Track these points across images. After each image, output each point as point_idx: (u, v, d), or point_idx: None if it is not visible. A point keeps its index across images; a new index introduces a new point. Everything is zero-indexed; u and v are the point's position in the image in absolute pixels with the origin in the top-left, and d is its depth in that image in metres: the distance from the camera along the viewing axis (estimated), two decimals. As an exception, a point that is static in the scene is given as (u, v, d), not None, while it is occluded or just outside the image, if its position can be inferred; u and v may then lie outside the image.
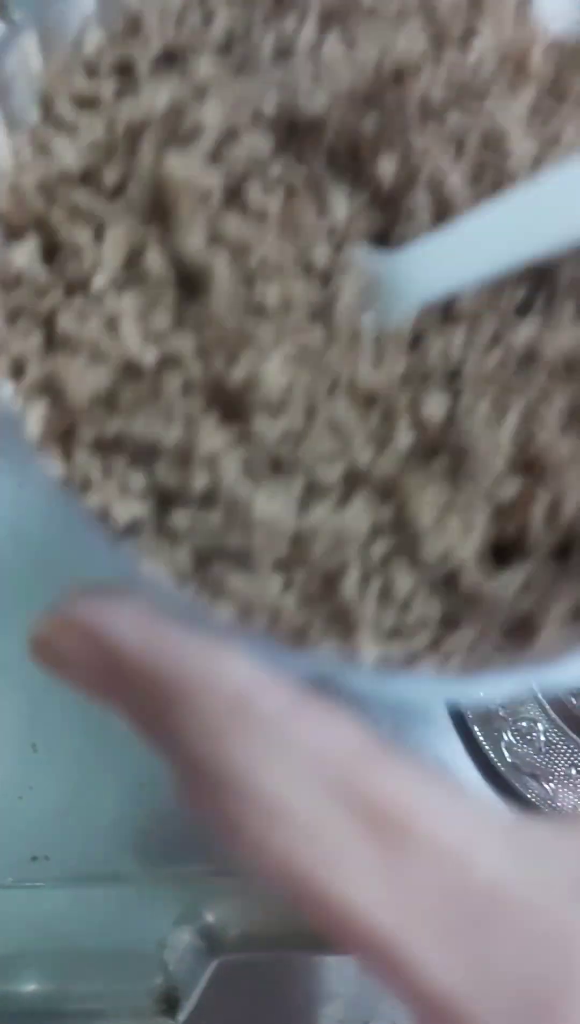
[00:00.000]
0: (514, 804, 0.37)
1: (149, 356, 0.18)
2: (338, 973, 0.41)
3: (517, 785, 0.36)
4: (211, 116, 0.19)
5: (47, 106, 0.20)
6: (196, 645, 0.16)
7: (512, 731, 0.41)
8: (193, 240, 0.18)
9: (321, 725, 0.16)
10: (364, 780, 0.16)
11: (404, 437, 0.20)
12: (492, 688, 0.18)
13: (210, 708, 0.16)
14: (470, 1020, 0.14)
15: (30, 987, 0.38)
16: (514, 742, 0.38)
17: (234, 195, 0.20)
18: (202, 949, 0.38)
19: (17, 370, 0.18)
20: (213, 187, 0.19)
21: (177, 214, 0.18)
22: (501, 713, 0.41)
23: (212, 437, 0.18)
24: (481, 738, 0.40)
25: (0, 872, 0.39)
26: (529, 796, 0.36)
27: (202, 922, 0.39)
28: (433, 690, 0.17)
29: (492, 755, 0.38)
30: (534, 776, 0.37)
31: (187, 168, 0.18)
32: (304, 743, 0.16)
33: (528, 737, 0.37)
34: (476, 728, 0.40)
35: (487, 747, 0.39)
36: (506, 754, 0.38)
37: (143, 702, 0.17)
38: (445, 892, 0.15)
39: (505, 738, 0.40)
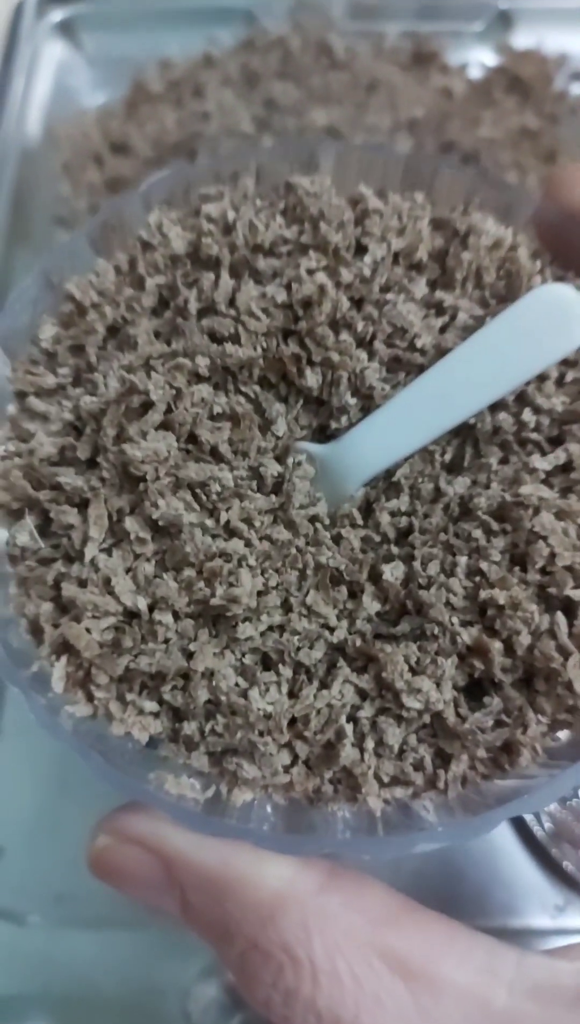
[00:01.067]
0: (549, 874, 0.37)
1: (141, 604, 0.22)
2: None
3: (554, 852, 0.36)
4: (156, 393, 0.23)
5: (20, 399, 0.24)
6: (239, 848, 0.20)
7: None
8: (162, 507, 0.22)
9: (350, 897, 0.19)
10: (392, 939, 0.19)
11: (370, 606, 0.23)
12: (487, 824, 0.20)
13: (257, 898, 0.19)
14: None
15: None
16: (554, 808, 0.37)
17: (191, 438, 0.24)
18: (227, 1004, 0.36)
19: (35, 631, 0.22)
20: (171, 447, 0.23)
21: (145, 482, 0.22)
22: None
23: (207, 656, 0.22)
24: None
25: (24, 911, 0.39)
26: (565, 865, 0.36)
27: (229, 976, 0.37)
28: (431, 842, 0.20)
29: (531, 821, 0.37)
30: (572, 843, 0.36)
31: (144, 449, 0.22)
32: (338, 916, 0.19)
33: (569, 803, 0.37)
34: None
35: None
36: (545, 820, 0.37)
37: (194, 899, 0.20)
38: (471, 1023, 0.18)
39: (545, 803, 0.39)
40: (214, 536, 0.23)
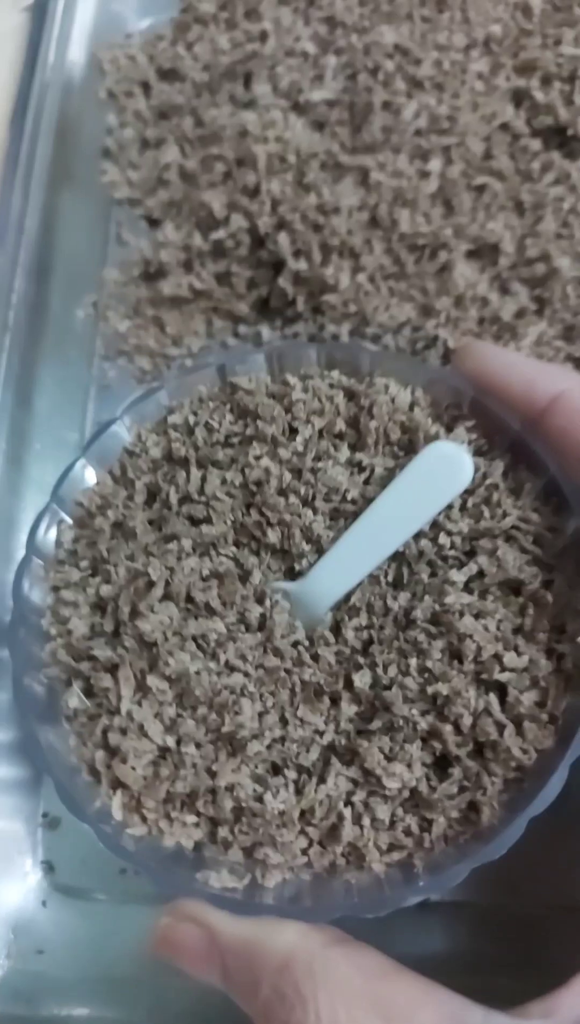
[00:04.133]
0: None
1: (170, 741, 0.28)
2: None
3: None
4: (156, 574, 0.29)
5: (55, 591, 0.31)
6: (259, 922, 0.25)
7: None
8: (173, 664, 0.28)
9: (350, 955, 0.24)
10: (380, 990, 0.24)
11: (348, 710, 0.29)
12: (460, 874, 0.26)
13: (275, 950, 0.24)
14: None
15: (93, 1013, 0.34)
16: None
17: (188, 599, 0.30)
18: None
19: (93, 773, 0.28)
20: (173, 614, 0.29)
21: (157, 646, 0.28)
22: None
23: (226, 773, 0.27)
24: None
25: (89, 887, 0.37)
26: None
27: None
28: (424, 894, 0.26)
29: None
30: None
31: (152, 622, 0.28)
32: (338, 968, 0.24)
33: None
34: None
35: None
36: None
37: (231, 963, 0.25)
38: None
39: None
40: (218, 674, 0.29)
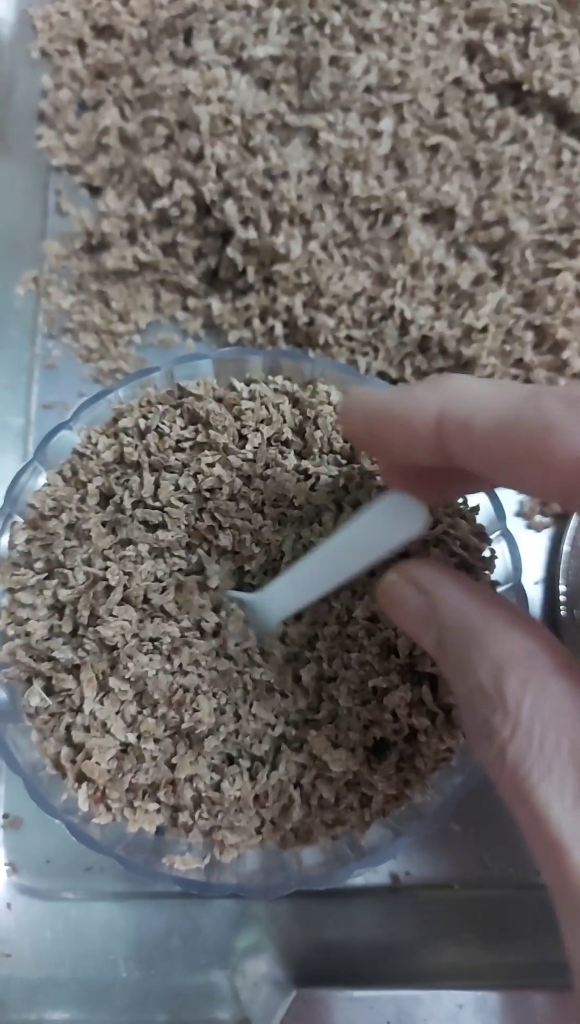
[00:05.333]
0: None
1: (132, 737, 0.30)
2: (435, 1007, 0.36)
3: None
4: (114, 578, 0.31)
5: (11, 593, 0.32)
6: (495, 608, 0.24)
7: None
8: (132, 668, 0.30)
9: (570, 692, 0.22)
10: None
11: (297, 703, 0.31)
12: (397, 849, 0.29)
13: (497, 651, 0.23)
14: None
15: (63, 1016, 0.34)
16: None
17: (144, 600, 0.31)
18: (281, 981, 0.33)
19: (58, 767, 0.30)
20: (131, 617, 0.31)
21: (118, 649, 0.30)
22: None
23: (185, 765, 0.30)
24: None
25: (55, 887, 0.37)
26: None
27: (281, 946, 0.34)
28: (367, 865, 0.29)
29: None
30: None
31: (113, 627, 0.30)
32: (556, 695, 0.22)
33: None
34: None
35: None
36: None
37: (447, 639, 0.25)
38: None
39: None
40: (173, 674, 0.31)
